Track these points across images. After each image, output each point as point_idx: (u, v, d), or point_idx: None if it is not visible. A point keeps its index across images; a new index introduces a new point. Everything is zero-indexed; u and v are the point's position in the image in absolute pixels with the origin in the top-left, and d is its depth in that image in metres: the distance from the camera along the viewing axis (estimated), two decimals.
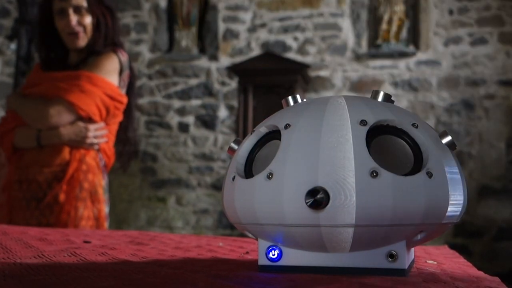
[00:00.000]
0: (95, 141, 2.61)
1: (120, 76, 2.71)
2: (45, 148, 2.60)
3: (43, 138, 2.59)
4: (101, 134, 2.64)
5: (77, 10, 2.65)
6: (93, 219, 2.59)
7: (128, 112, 2.80)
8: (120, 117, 2.74)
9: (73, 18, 2.64)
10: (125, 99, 2.72)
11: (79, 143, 2.59)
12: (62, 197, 2.53)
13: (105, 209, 2.66)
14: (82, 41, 2.67)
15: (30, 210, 2.53)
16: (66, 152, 2.59)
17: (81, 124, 2.59)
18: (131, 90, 2.81)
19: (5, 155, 2.69)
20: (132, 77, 2.81)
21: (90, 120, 2.61)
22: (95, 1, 2.68)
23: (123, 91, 2.73)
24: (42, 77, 2.72)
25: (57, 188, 2.54)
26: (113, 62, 2.69)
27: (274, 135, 0.83)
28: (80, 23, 2.65)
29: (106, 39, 2.70)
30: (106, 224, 2.66)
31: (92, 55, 2.69)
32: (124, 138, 2.82)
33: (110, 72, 2.67)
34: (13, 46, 6.62)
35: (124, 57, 2.73)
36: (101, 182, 2.66)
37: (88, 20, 2.67)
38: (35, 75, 2.80)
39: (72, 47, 2.70)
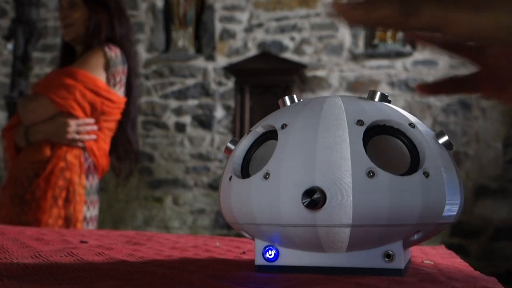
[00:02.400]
0: (77, 137, 2.58)
1: (107, 72, 2.66)
2: (31, 145, 2.60)
3: (30, 135, 2.59)
4: (86, 130, 2.61)
5: (70, 5, 2.68)
6: (63, 218, 2.54)
7: (126, 113, 2.77)
8: (115, 116, 2.70)
9: (63, 12, 2.68)
10: (116, 97, 2.67)
11: (60, 138, 2.56)
12: (38, 194, 2.52)
13: (85, 210, 2.61)
14: (68, 35, 2.70)
15: (13, 207, 2.53)
16: (47, 149, 2.58)
17: (61, 119, 2.58)
18: (130, 89, 2.77)
19: (10, 157, 2.70)
20: (131, 75, 2.77)
21: (72, 115, 2.59)
22: None
23: (115, 89, 2.68)
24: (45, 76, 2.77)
25: (35, 185, 2.53)
26: (97, 57, 2.65)
27: (270, 135, 0.83)
28: (69, 16, 2.66)
29: (98, 36, 2.68)
30: (80, 226, 2.59)
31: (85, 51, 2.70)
32: (124, 141, 2.79)
33: (94, 67, 2.63)
34: (10, 46, 6.62)
35: (113, 52, 2.67)
36: (83, 181, 2.61)
37: (77, 14, 2.68)
38: None
39: (65, 40, 2.73)
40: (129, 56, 2.76)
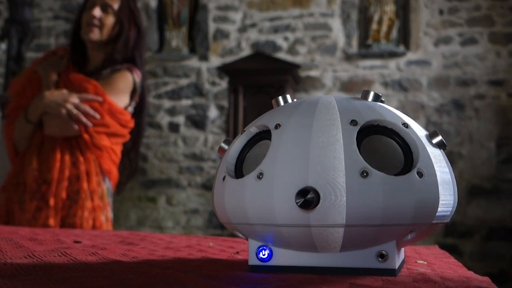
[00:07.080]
0: (74, 111, 2.53)
1: (131, 97, 2.69)
2: (44, 153, 2.58)
3: (29, 113, 2.56)
4: (85, 111, 2.53)
5: (104, 7, 2.67)
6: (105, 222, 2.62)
7: (135, 132, 2.76)
8: (124, 139, 2.69)
9: (96, 12, 2.65)
10: (128, 118, 2.67)
11: (59, 106, 2.52)
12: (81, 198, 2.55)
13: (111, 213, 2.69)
14: (95, 35, 2.66)
15: (24, 212, 2.52)
16: (67, 159, 2.57)
17: (65, 91, 2.57)
18: (140, 112, 2.78)
19: (9, 156, 2.69)
20: (142, 99, 2.77)
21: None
22: (127, 11, 2.70)
23: (129, 110, 2.69)
24: (69, 77, 2.68)
25: (59, 187, 2.54)
26: (126, 81, 2.67)
27: (264, 135, 0.83)
28: (101, 19, 2.66)
29: (125, 50, 2.70)
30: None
31: (108, 66, 2.68)
32: (126, 159, 2.80)
33: (120, 91, 2.64)
34: (3, 46, 6.61)
35: (139, 78, 2.70)
36: (103, 187, 2.65)
37: (110, 20, 2.67)
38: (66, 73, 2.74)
39: (86, 39, 2.68)
40: (144, 76, 2.78)
